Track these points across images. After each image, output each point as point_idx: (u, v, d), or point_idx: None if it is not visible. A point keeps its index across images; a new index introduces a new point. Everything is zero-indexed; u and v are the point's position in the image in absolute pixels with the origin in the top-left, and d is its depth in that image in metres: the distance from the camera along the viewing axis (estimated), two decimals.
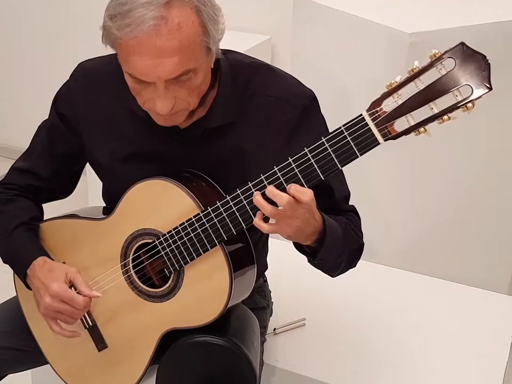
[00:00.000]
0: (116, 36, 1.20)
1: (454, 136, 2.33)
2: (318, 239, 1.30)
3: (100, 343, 1.51)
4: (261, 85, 1.38)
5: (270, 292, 1.74)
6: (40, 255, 1.46)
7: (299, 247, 1.36)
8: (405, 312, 1.87)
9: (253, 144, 1.38)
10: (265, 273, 1.72)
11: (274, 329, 1.77)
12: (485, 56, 1.06)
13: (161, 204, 1.37)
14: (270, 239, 1.68)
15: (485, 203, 2.45)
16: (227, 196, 1.29)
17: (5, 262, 1.53)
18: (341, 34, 2.33)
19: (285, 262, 1.89)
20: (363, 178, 2.40)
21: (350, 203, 1.50)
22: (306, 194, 1.19)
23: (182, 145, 1.40)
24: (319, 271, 1.42)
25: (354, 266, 1.47)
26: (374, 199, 2.41)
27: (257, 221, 1.24)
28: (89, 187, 2.44)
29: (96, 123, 1.45)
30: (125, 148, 1.44)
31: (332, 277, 1.45)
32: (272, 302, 1.74)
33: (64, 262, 1.50)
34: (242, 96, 1.37)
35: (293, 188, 1.19)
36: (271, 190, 1.21)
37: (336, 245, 1.34)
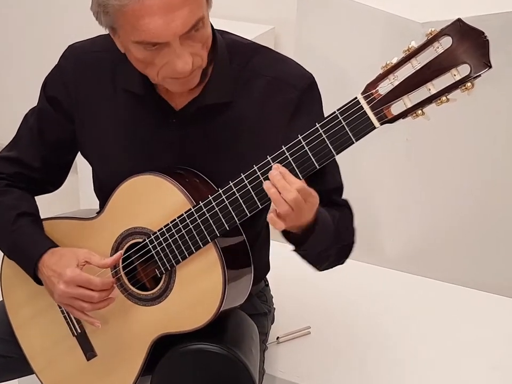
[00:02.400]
0: (118, 6, 1.22)
1: (467, 134, 2.36)
2: (306, 229, 1.32)
3: (89, 351, 1.54)
4: (260, 65, 1.42)
5: (272, 297, 1.76)
6: (49, 247, 1.49)
7: (285, 233, 1.38)
8: (416, 320, 1.89)
9: (250, 125, 1.42)
10: (267, 277, 1.74)
11: (278, 337, 1.79)
12: (483, 33, 1.08)
13: (152, 200, 1.41)
14: (272, 241, 1.71)
15: (501, 202, 2.46)
16: (219, 189, 1.33)
17: (10, 257, 1.55)
18: (349, 25, 2.37)
19: (288, 265, 1.90)
20: (371, 179, 2.43)
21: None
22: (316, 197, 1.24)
23: (178, 127, 1.43)
24: (317, 274, 1.47)
25: (342, 263, 1.50)
26: (381, 200, 2.43)
27: (273, 217, 1.24)
28: (81, 186, 2.48)
29: (88, 105, 1.49)
30: (118, 131, 1.48)
31: (318, 270, 1.48)
32: (274, 308, 1.76)
33: None
34: (240, 76, 1.41)
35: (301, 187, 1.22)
36: (280, 183, 1.22)
37: (323, 239, 1.36)
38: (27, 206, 1.54)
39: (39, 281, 1.51)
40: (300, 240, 1.35)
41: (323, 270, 1.48)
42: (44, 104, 1.53)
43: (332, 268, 1.48)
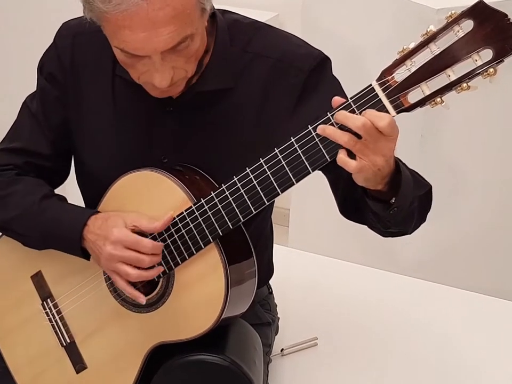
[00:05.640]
0: (102, 10, 1.25)
1: (487, 129, 2.39)
2: (391, 181, 1.29)
3: (78, 363, 1.56)
4: (261, 46, 1.44)
5: (276, 305, 1.79)
6: (91, 213, 1.47)
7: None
8: (432, 329, 1.91)
9: (253, 114, 1.44)
10: (271, 284, 1.77)
11: (282, 349, 1.81)
12: (506, 15, 1.11)
13: (150, 198, 1.43)
14: (277, 246, 1.73)
15: None
16: (222, 185, 1.35)
17: (44, 243, 1.52)
18: (359, 10, 2.40)
19: (293, 272, 1.92)
20: None
21: None
22: (383, 118, 1.18)
23: (175, 116, 1.46)
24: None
25: (425, 220, 1.46)
26: None
27: (343, 156, 1.22)
28: (69, 186, 2.49)
29: (84, 87, 1.51)
30: (113, 118, 1.50)
31: (407, 233, 1.45)
32: (279, 318, 1.79)
33: (40, 271, 1.57)
34: (240, 60, 1.44)
35: (368, 112, 1.19)
36: (341, 113, 1.21)
37: (409, 188, 1.32)
38: (47, 189, 1.54)
39: (86, 256, 1.49)
40: (389, 195, 1.31)
41: (412, 231, 1.45)
42: (43, 84, 1.55)
43: (417, 227, 1.45)
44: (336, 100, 1.24)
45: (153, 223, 1.40)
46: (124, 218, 1.42)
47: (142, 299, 1.43)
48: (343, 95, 1.39)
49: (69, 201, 1.57)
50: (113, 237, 1.40)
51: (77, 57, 1.51)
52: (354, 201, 1.41)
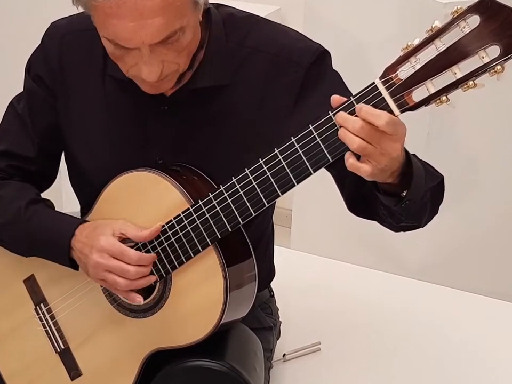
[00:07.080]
0: None
1: (494, 127, 2.38)
2: (401, 174, 1.28)
3: (73, 370, 1.56)
4: (259, 41, 1.44)
5: (278, 309, 1.78)
6: (80, 222, 1.47)
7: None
8: (438, 333, 1.90)
9: (251, 111, 1.43)
10: (273, 287, 1.76)
11: (284, 354, 1.81)
12: None
13: (146, 200, 1.43)
14: (276, 247, 1.73)
15: None
16: (221, 186, 1.35)
17: (30, 251, 1.53)
18: (363, 6, 2.40)
19: (295, 274, 1.92)
20: None
21: None
22: (381, 117, 1.17)
23: (170, 115, 1.45)
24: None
25: (437, 212, 1.45)
26: None
27: (353, 161, 1.21)
28: (64, 186, 2.49)
29: (73, 87, 1.51)
30: (105, 118, 1.49)
31: (420, 226, 1.44)
32: (280, 322, 1.79)
33: (32, 274, 1.57)
34: (237, 55, 1.43)
35: (364, 109, 1.18)
36: (340, 115, 1.20)
37: (421, 180, 1.31)
38: (33, 194, 1.54)
39: (74, 265, 1.48)
40: (400, 188, 1.29)
41: (425, 225, 1.44)
42: (31, 85, 1.54)
43: (430, 220, 1.44)
44: (336, 99, 1.22)
45: (140, 231, 1.40)
46: (111, 226, 1.42)
47: (140, 299, 1.42)
48: (344, 89, 1.39)
49: (65, 202, 1.57)
50: (99, 246, 1.40)
51: (65, 58, 1.51)
52: (362, 197, 1.40)
